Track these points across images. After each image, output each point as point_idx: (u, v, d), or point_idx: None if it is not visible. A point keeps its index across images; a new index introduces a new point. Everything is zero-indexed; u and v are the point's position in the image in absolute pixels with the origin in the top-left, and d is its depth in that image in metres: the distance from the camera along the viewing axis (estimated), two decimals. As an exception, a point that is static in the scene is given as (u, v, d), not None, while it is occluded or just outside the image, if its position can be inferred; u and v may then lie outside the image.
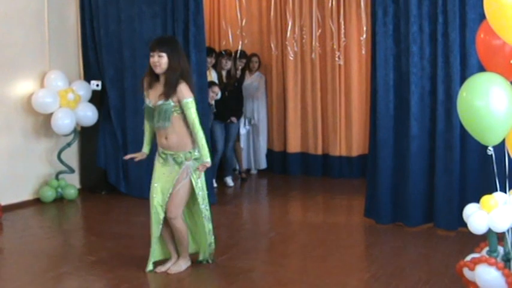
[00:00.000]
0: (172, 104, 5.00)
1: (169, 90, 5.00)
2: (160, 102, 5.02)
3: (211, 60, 8.98)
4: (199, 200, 5.19)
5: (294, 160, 9.91)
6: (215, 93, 8.66)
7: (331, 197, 8.50)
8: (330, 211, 7.77)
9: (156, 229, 5.20)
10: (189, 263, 5.34)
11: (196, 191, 5.15)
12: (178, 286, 5.12)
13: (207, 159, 5.01)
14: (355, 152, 9.52)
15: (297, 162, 9.91)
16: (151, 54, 5.03)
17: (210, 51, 9.00)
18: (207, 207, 5.27)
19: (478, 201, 4.26)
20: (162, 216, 5.16)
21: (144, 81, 5.21)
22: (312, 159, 9.79)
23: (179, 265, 5.30)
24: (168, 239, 5.31)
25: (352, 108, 9.45)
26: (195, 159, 5.09)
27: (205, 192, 5.25)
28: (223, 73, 9.23)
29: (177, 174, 5.09)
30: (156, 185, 5.17)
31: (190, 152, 5.09)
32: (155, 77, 5.12)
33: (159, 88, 5.09)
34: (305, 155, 9.88)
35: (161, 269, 5.28)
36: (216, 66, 9.23)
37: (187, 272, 5.27)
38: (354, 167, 9.53)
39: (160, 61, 5.00)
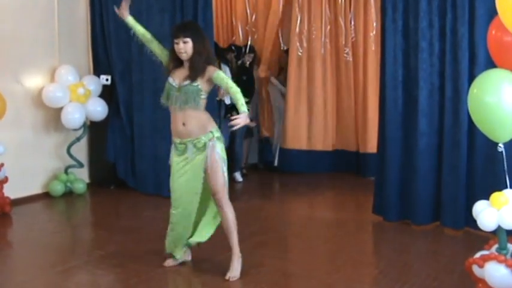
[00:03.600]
0: (199, 87, 4.90)
1: (196, 73, 4.90)
2: (186, 83, 4.91)
3: (230, 56, 9.01)
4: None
5: (303, 156, 9.92)
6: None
7: (340, 193, 8.50)
8: (338, 207, 7.76)
9: (185, 225, 5.14)
10: (240, 258, 5.14)
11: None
12: (186, 281, 5.14)
13: (244, 109, 4.75)
14: (363, 148, 9.49)
15: (305, 158, 9.92)
16: (176, 41, 4.93)
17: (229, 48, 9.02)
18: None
19: (484, 199, 4.25)
20: (196, 206, 5.10)
21: (169, 64, 5.10)
22: (321, 155, 9.78)
23: (235, 267, 5.08)
24: None
25: (361, 105, 9.43)
26: (218, 138, 4.98)
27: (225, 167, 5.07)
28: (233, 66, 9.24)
29: (205, 157, 4.93)
30: (179, 179, 5.02)
31: (211, 132, 4.96)
32: (178, 63, 5.04)
33: (183, 72, 4.99)
34: (313, 151, 9.87)
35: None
36: (226, 61, 9.23)
37: (195, 268, 5.28)
38: (360, 163, 9.51)
39: (186, 47, 4.90)
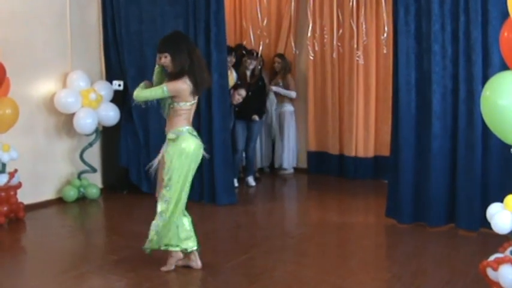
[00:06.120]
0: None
1: None
2: None
3: (230, 59, 8.90)
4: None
5: (314, 159, 9.94)
6: (241, 96, 8.65)
7: (351, 196, 8.47)
8: (350, 211, 7.74)
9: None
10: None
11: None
12: (200, 285, 5.13)
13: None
14: (373, 152, 9.46)
15: (316, 161, 9.93)
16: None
17: (229, 50, 8.90)
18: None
19: (499, 201, 4.23)
20: None
21: None
22: (332, 158, 9.77)
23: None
24: None
25: (372, 109, 9.39)
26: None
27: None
28: (248, 73, 9.20)
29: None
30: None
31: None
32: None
33: None
34: (324, 154, 9.87)
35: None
36: (238, 66, 9.20)
37: (209, 272, 5.27)
38: (370, 167, 9.47)
39: (166, 61, 5.24)
